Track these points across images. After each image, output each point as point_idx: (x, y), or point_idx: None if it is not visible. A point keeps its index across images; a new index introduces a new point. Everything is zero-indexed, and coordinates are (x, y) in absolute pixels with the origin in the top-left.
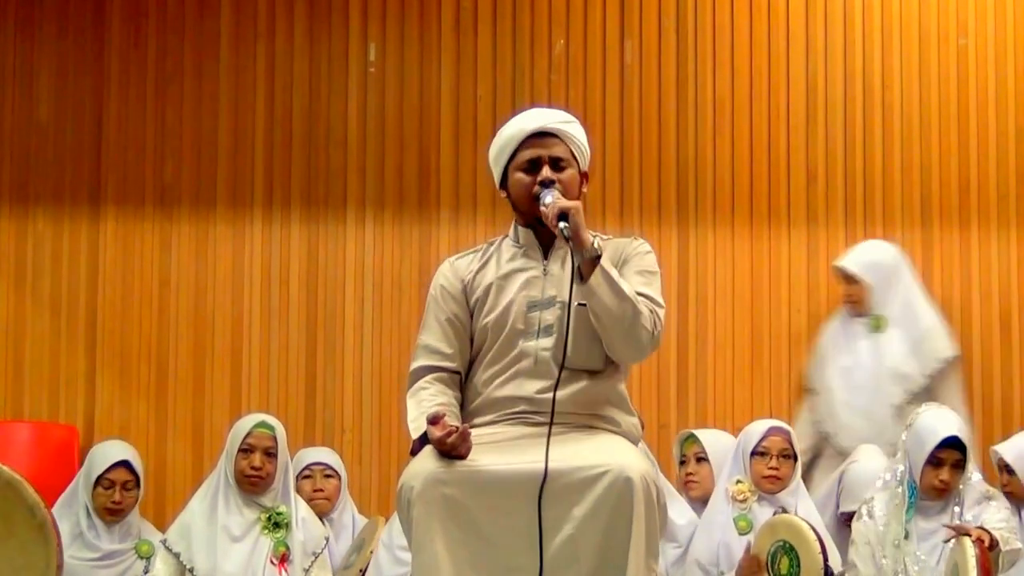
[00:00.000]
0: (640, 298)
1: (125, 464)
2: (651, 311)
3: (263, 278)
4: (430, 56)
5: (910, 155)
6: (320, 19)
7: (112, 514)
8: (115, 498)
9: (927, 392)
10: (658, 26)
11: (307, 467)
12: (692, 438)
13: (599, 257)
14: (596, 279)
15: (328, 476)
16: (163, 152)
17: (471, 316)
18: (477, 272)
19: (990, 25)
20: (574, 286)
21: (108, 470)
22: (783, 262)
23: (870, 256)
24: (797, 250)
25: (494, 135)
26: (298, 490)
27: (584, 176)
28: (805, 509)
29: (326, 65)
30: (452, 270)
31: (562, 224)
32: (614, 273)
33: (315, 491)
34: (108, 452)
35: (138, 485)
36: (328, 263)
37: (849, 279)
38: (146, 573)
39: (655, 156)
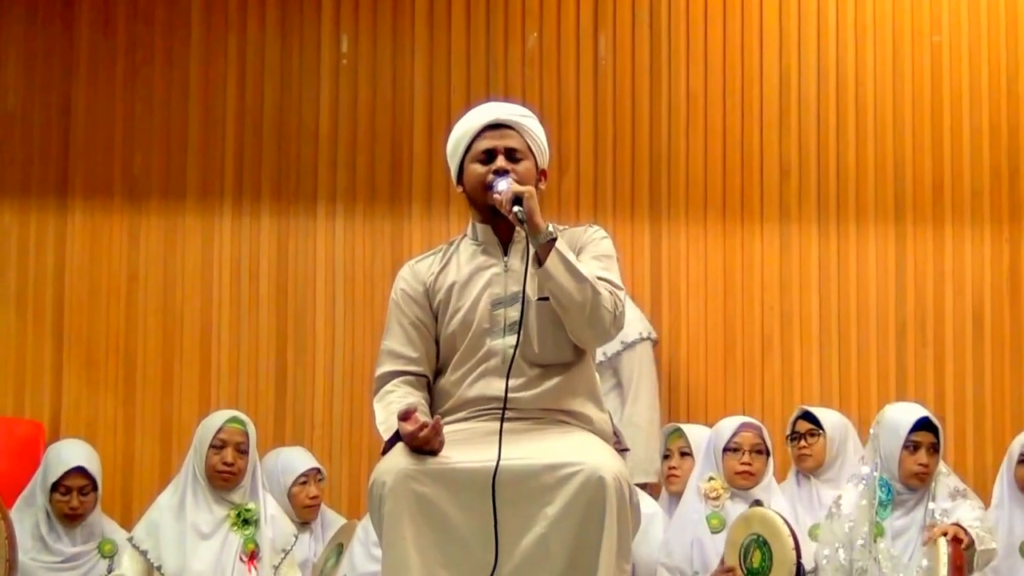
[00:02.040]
0: (599, 281)
1: (81, 470)
2: (611, 292)
3: (233, 272)
4: (403, 48)
5: (884, 151)
6: (292, 10)
7: (71, 519)
8: (72, 504)
9: (614, 372)
10: (632, 20)
11: (303, 474)
12: (678, 432)
13: (554, 240)
14: (552, 262)
15: (320, 480)
16: (132, 143)
17: (435, 319)
18: (438, 274)
19: (964, 22)
20: (530, 272)
21: (64, 476)
22: (755, 258)
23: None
24: (770, 246)
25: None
26: (292, 496)
27: (542, 174)
28: (778, 504)
29: (298, 56)
30: (412, 273)
31: (516, 208)
32: (570, 256)
33: (311, 498)
34: (63, 457)
35: (96, 488)
36: (299, 257)
37: None
38: (110, 572)
39: (628, 150)
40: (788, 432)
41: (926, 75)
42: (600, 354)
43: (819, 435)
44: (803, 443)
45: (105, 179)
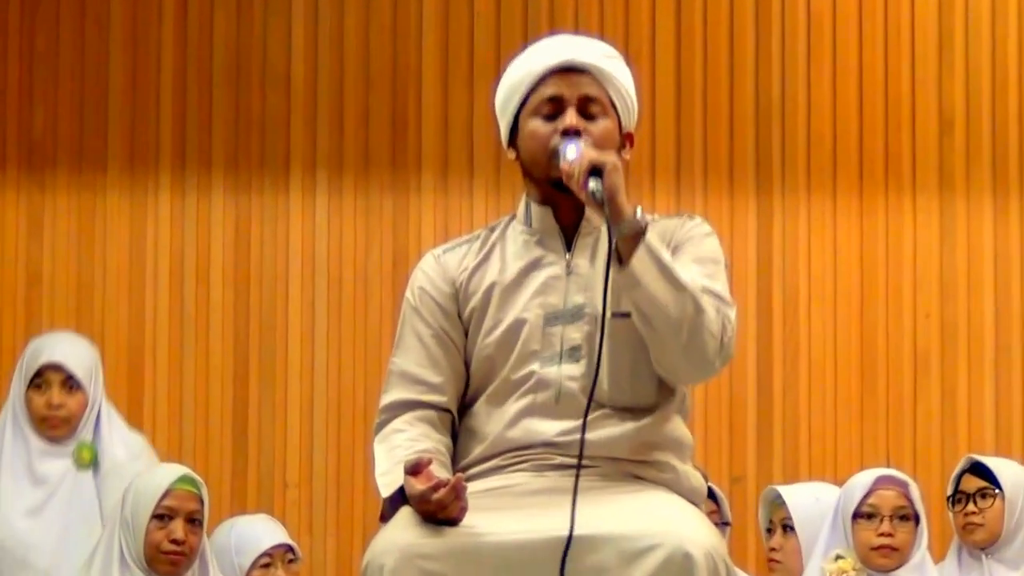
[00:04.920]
0: (704, 294)
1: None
2: (718, 310)
3: (173, 271)
4: None
5: None
6: None
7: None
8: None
9: None
10: None
11: (266, 553)
12: (779, 499)
13: (644, 231)
14: (641, 262)
15: (291, 562)
16: (31, 96)
17: (465, 332)
18: (474, 271)
19: None
20: (611, 274)
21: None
22: (906, 246)
23: None
24: (926, 229)
25: (500, 73)
26: None
27: (627, 138)
28: None
29: None
30: (438, 267)
31: (592, 184)
32: (665, 255)
33: None
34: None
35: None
36: (265, 249)
37: None
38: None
39: (725, 100)
40: (950, 491)
41: None
42: None
43: (994, 496)
44: (971, 507)
45: None
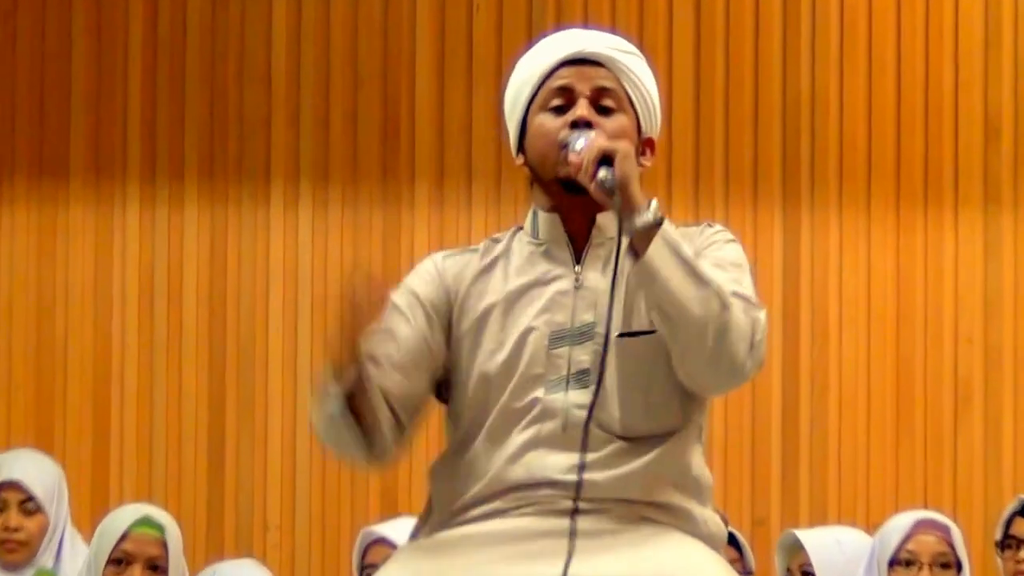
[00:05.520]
0: (729, 294)
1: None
2: (745, 311)
3: (142, 289)
4: None
5: None
6: None
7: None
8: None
9: None
10: None
11: None
12: (796, 544)
13: (661, 222)
14: (659, 252)
15: None
16: None
17: (445, 343)
18: (473, 284)
19: None
20: (620, 272)
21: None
22: (946, 263)
23: None
24: (969, 245)
25: (501, 72)
26: None
27: (647, 144)
28: None
29: None
30: (436, 270)
31: (603, 173)
32: (684, 247)
33: None
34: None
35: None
36: (243, 266)
37: None
38: None
39: (749, 102)
40: (999, 536)
41: None
42: None
43: None
44: (1023, 554)
45: None
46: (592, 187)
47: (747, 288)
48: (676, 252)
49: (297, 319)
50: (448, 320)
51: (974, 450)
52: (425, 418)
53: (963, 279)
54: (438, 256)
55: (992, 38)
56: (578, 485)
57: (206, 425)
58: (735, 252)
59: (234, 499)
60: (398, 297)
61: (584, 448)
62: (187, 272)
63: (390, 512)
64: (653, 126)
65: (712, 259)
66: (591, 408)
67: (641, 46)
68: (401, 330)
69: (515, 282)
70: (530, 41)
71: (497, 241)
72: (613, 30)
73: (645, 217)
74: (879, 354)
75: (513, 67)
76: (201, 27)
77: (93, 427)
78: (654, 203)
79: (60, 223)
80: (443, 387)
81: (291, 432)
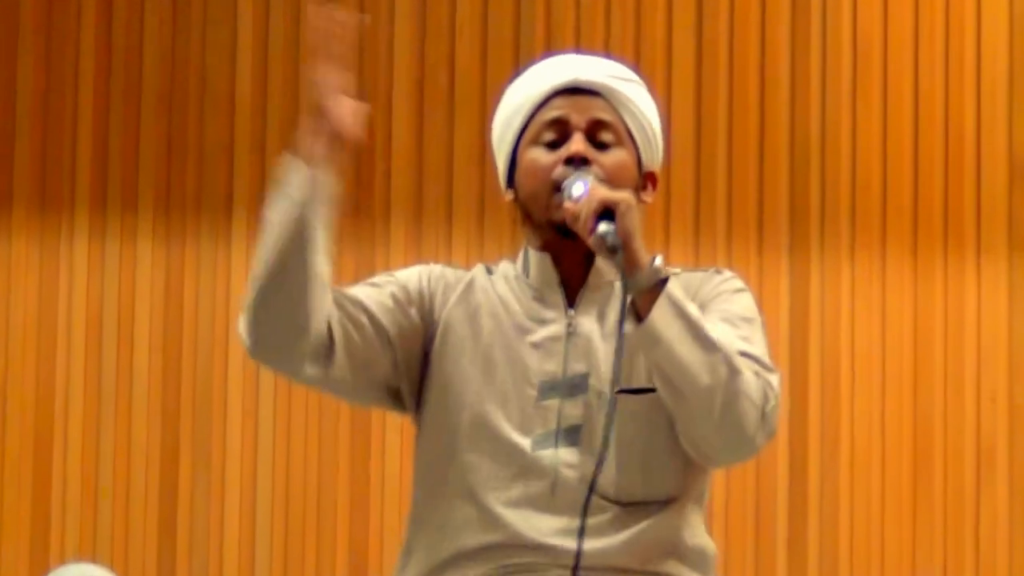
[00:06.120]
0: (739, 356)
1: None
2: (757, 374)
3: (90, 329)
4: None
5: None
6: None
7: None
8: None
9: None
10: None
11: None
12: None
13: (665, 281)
14: (662, 314)
15: None
16: None
17: (423, 347)
18: (459, 303)
19: None
20: (626, 333)
21: None
22: (968, 315)
23: None
24: (993, 295)
25: (484, 101)
26: None
27: (649, 179)
28: None
29: None
30: (432, 276)
31: (602, 228)
32: (692, 308)
33: None
34: None
35: None
36: (201, 305)
37: None
38: None
39: (754, 136)
40: None
41: None
42: None
43: None
44: None
45: None
46: (591, 241)
47: (758, 347)
48: (681, 313)
49: (259, 367)
50: (426, 326)
51: (997, 518)
52: (367, 384)
53: (986, 331)
54: (443, 265)
55: (1017, 71)
56: (577, 554)
57: (157, 479)
58: (746, 304)
59: (187, 561)
60: (379, 279)
61: (585, 514)
62: (139, 312)
63: None
64: (654, 159)
65: (720, 312)
66: (594, 476)
67: (637, 67)
68: (379, 299)
69: (503, 323)
70: (517, 67)
71: (490, 271)
72: (608, 56)
73: (648, 276)
74: (895, 412)
75: (500, 96)
76: (160, 46)
77: (33, 478)
78: (658, 260)
79: (1, 256)
80: (409, 409)
81: (251, 489)
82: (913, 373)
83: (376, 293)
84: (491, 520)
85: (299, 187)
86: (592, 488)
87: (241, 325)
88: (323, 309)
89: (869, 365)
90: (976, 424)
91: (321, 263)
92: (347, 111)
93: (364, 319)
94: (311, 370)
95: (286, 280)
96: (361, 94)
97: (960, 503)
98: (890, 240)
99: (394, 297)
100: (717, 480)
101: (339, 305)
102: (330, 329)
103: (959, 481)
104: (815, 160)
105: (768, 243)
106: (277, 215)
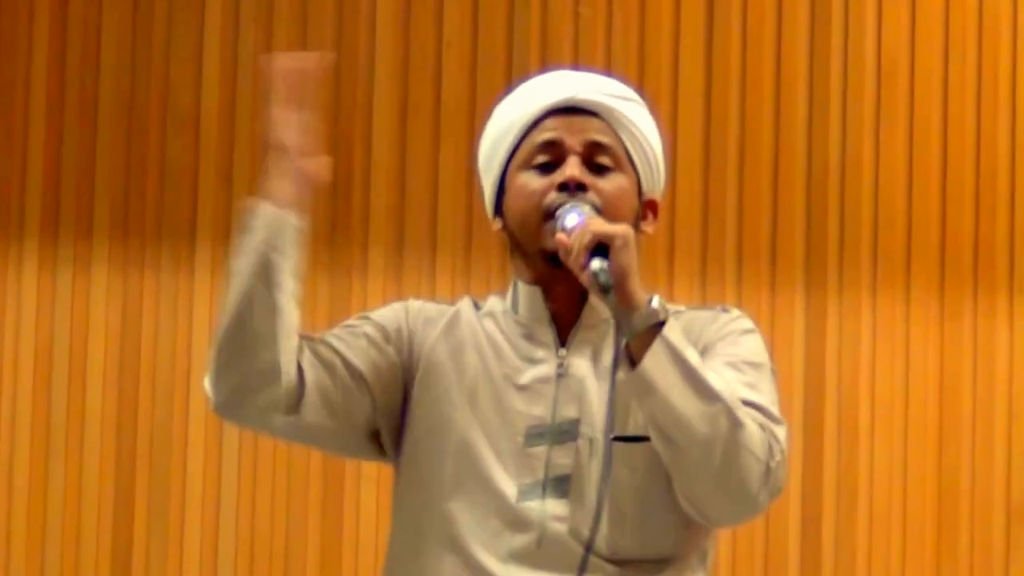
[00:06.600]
0: (743, 406)
1: None
2: (761, 426)
3: (38, 365)
4: None
5: None
6: None
7: None
8: None
9: None
10: None
11: None
12: None
13: (662, 325)
14: (657, 361)
15: None
16: None
17: (402, 383)
18: (442, 339)
19: None
20: (618, 378)
21: None
22: (1000, 358)
23: None
24: None
25: (472, 122)
26: None
27: (649, 206)
28: None
29: None
30: (410, 313)
31: (596, 265)
32: (691, 353)
33: None
34: None
35: None
36: (160, 340)
37: None
38: None
39: (768, 165)
40: None
41: None
42: None
43: None
44: None
45: None
46: (583, 277)
47: (765, 395)
48: (677, 359)
49: None
50: (407, 359)
51: None
52: (346, 428)
53: (1018, 378)
54: (416, 303)
55: None
56: None
57: (110, 529)
58: (753, 347)
59: None
60: (353, 321)
61: (580, 574)
62: (93, 347)
63: None
64: (656, 185)
65: (725, 356)
66: (592, 535)
67: (641, 96)
68: (352, 341)
69: (488, 363)
70: (509, 84)
71: (478, 306)
72: (608, 73)
73: (644, 319)
74: (917, 465)
75: (490, 115)
76: (118, 61)
77: None
78: (655, 300)
79: None
80: (389, 454)
81: (212, 542)
82: (938, 423)
83: (348, 335)
84: (479, 573)
85: (265, 229)
86: (589, 548)
87: (206, 383)
88: (291, 354)
89: (890, 414)
90: (1006, 479)
91: (290, 309)
92: (310, 154)
93: (337, 361)
94: (280, 420)
95: (252, 324)
96: (338, 111)
97: (988, 565)
98: (915, 278)
99: (368, 337)
100: (723, 538)
101: (310, 350)
102: (301, 375)
103: (987, 541)
104: (834, 189)
105: (782, 279)
106: (241, 263)
